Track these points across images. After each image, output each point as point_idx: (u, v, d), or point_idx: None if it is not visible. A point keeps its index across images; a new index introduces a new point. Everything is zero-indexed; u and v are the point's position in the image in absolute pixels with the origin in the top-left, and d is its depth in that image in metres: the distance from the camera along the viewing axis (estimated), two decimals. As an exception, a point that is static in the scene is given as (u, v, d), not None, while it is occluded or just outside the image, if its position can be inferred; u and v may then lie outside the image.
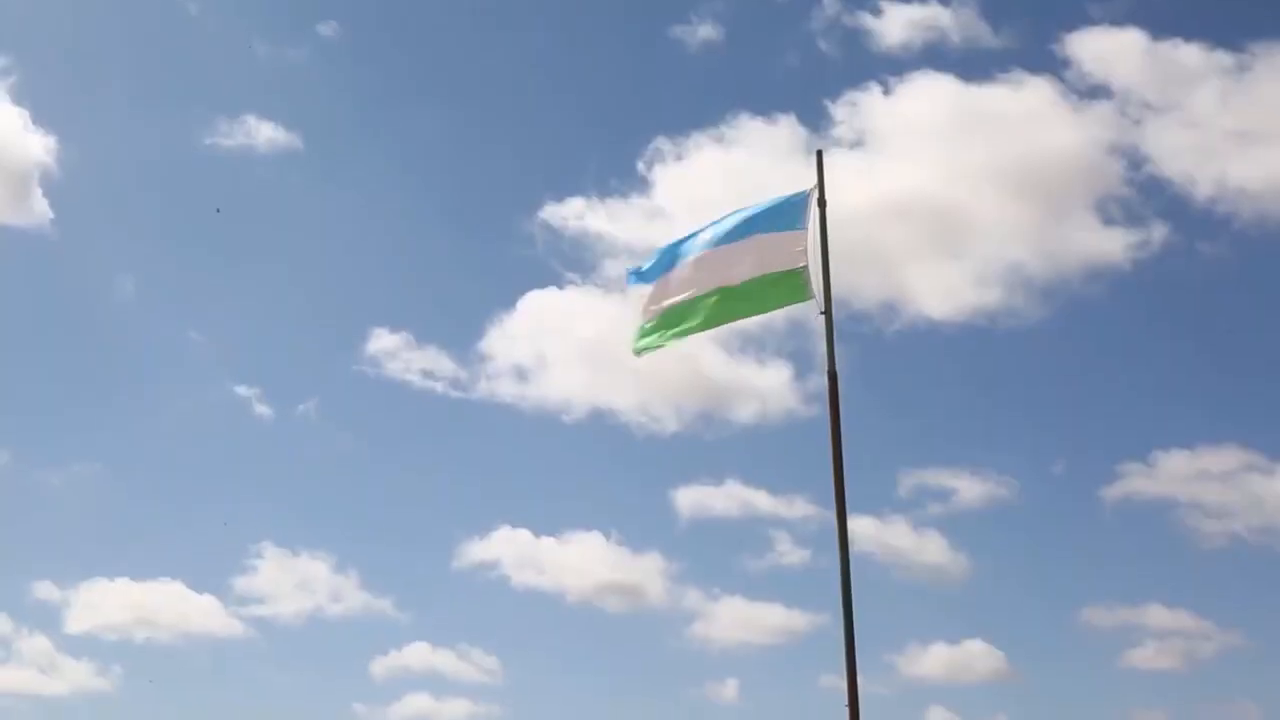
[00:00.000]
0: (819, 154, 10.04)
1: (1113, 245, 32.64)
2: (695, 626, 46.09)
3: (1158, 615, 41.32)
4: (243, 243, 41.37)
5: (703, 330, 10.41)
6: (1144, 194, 32.90)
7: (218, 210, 37.10)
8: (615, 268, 36.67)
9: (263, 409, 48.45)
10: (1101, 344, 42.84)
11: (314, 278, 45.07)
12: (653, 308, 10.20)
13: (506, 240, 42.90)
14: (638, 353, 10.34)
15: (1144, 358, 43.09)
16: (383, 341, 40.94)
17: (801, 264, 9.54)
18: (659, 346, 10.33)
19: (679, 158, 34.58)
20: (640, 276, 10.43)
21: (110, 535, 49.51)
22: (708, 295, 9.91)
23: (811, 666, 43.84)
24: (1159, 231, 32.87)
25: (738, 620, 46.42)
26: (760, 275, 9.67)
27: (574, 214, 35.17)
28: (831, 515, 9.19)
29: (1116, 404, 42.58)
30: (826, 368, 9.41)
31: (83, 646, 49.50)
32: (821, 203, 9.78)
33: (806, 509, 44.28)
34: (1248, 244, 33.99)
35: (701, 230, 10.17)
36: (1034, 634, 42.45)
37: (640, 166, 35.38)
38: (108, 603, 45.34)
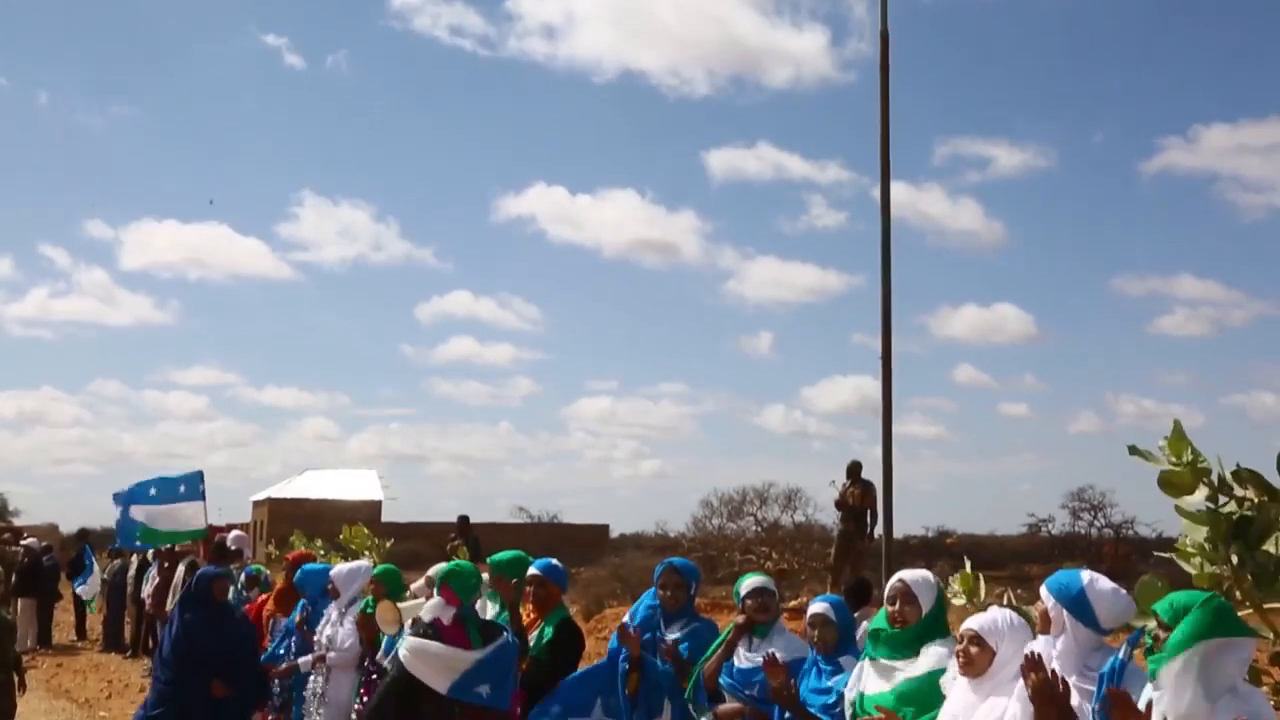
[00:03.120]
0: None
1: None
2: (730, 284, 47.10)
3: (1188, 285, 41.93)
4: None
5: None
6: None
7: None
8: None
9: (293, 59, 47.56)
10: (1145, 17, 41.07)
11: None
12: None
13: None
14: None
15: (1188, 31, 41.47)
16: (408, -8, 39.71)
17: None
18: None
19: None
20: None
21: (154, 177, 50.21)
22: None
23: (844, 324, 45.18)
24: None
25: (772, 278, 47.34)
26: None
27: None
28: (865, 180, 9.26)
29: (1158, 77, 41.37)
30: (879, 28, 9.18)
31: (139, 281, 51.27)
32: None
33: (840, 174, 44.07)
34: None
35: None
36: (1064, 299, 43.27)
37: None
38: (157, 242, 46.74)
